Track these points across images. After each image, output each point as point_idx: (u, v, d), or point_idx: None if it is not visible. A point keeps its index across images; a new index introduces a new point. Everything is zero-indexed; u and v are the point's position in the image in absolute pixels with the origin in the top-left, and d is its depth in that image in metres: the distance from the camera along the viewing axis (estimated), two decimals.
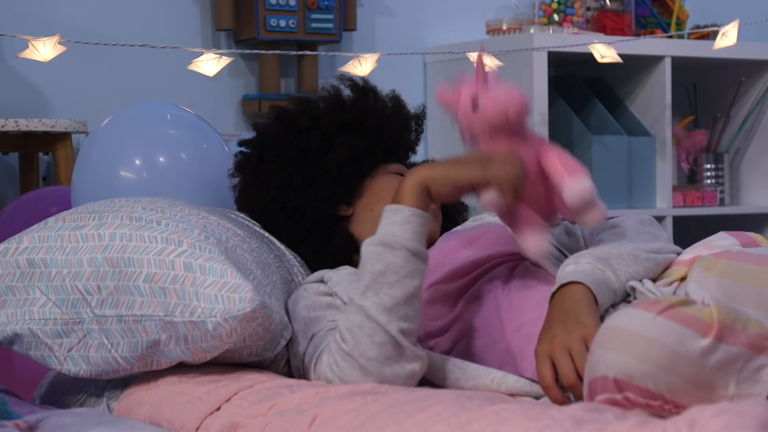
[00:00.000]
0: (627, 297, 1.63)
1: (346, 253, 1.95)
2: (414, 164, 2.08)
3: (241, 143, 2.11)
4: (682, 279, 1.63)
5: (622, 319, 1.28)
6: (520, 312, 1.68)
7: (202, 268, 1.65)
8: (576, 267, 1.61)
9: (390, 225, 1.60)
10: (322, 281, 1.83)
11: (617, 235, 1.75)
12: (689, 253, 1.68)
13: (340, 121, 2.00)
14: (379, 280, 1.56)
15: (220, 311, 1.61)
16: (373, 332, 1.55)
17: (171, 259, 1.67)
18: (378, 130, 2.01)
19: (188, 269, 1.65)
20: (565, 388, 1.48)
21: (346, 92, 2.06)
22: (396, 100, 2.08)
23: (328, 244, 1.97)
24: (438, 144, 3.65)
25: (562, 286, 1.58)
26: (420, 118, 2.11)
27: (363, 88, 2.06)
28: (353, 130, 2.00)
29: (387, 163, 2.02)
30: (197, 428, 1.56)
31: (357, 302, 1.57)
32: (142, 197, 1.90)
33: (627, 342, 1.25)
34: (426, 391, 1.47)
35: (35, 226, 1.82)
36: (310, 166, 1.98)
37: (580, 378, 1.45)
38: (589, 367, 1.31)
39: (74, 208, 1.86)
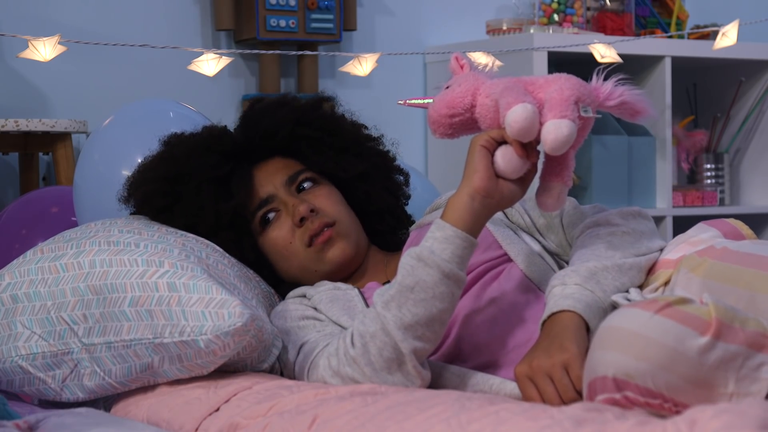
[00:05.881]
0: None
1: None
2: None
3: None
4: (667, 282, 1.62)
5: (621, 318, 1.28)
6: (508, 334, 1.67)
7: (186, 286, 1.64)
8: (564, 289, 1.57)
9: (432, 240, 1.54)
10: (304, 296, 1.82)
11: (601, 239, 1.70)
12: (672, 251, 1.66)
13: (177, 227, 1.87)
14: (406, 295, 1.53)
15: (210, 328, 1.60)
16: (384, 346, 1.53)
17: (154, 280, 1.66)
18: (210, 228, 1.86)
19: (172, 289, 1.64)
20: None
21: (158, 194, 1.89)
22: (197, 148, 1.90)
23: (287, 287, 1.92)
24: (438, 144, 3.65)
25: (553, 314, 1.55)
26: (217, 135, 1.94)
27: (169, 183, 1.88)
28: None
29: (251, 220, 1.89)
30: (196, 429, 1.56)
31: (378, 310, 1.54)
32: (117, 219, 1.89)
33: (626, 341, 1.25)
34: (426, 392, 1.47)
35: (15, 261, 1.82)
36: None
37: (563, 402, 1.44)
38: (589, 368, 1.31)
39: (51, 239, 1.86)
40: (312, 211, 1.85)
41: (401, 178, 2.03)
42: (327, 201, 1.88)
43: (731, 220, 1.71)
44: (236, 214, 1.86)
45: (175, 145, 1.93)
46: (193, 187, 1.86)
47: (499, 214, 1.85)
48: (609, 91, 1.58)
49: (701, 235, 1.67)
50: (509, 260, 1.76)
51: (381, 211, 1.97)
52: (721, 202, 3.95)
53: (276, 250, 1.88)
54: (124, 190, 1.95)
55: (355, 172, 1.94)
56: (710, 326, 1.25)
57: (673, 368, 1.23)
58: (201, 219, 1.86)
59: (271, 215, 1.87)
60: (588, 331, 1.53)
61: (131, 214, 1.95)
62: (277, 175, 1.90)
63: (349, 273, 1.89)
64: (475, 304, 1.71)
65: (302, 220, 1.85)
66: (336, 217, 1.87)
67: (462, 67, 1.66)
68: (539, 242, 1.81)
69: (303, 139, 1.93)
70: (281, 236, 1.86)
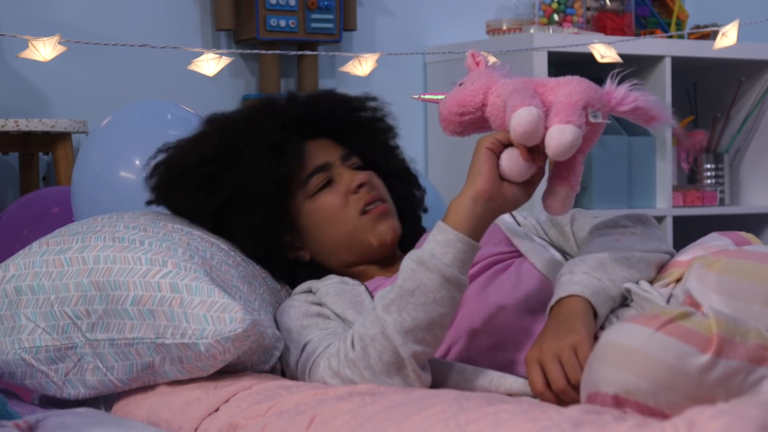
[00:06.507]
0: (624, 300, 1.62)
1: (323, 275, 1.89)
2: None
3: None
4: (679, 280, 1.62)
5: (621, 334, 1.28)
6: (517, 320, 1.67)
7: (188, 288, 1.64)
8: (572, 277, 1.58)
9: (433, 243, 1.53)
10: (310, 291, 1.82)
11: (609, 236, 1.71)
12: (685, 254, 1.67)
13: (213, 211, 1.86)
14: (407, 299, 1.52)
15: (211, 332, 1.60)
16: (384, 349, 1.53)
17: (157, 280, 1.65)
18: (260, 190, 1.85)
19: (174, 290, 1.64)
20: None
21: (209, 158, 1.87)
22: (255, 124, 1.90)
23: (299, 282, 1.89)
24: (439, 144, 3.65)
25: (561, 299, 1.56)
26: (273, 101, 1.96)
27: (222, 144, 1.88)
28: (238, 200, 1.85)
29: (299, 187, 1.88)
30: (196, 429, 1.56)
31: (378, 313, 1.54)
32: (123, 214, 1.89)
33: (626, 358, 1.24)
34: (425, 392, 1.46)
35: (20, 252, 1.81)
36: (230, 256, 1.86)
37: (570, 384, 1.45)
38: (588, 382, 1.30)
39: (57, 230, 1.85)
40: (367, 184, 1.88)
41: (418, 193, 2.05)
42: (378, 183, 1.91)
43: (744, 233, 1.72)
44: (284, 183, 1.86)
45: (225, 118, 1.94)
46: (251, 150, 1.86)
47: (511, 222, 1.86)
48: (622, 96, 1.57)
49: (714, 243, 1.67)
50: (519, 255, 1.77)
51: (404, 211, 1.97)
52: (721, 202, 3.95)
53: (326, 214, 1.87)
54: (160, 166, 1.93)
55: (399, 166, 1.98)
56: (711, 342, 1.24)
57: (674, 386, 1.22)
58: (253, 182, 1.84)
59: (324, 182, 1.88)
60: (595, 316, 1.54)
61: (162, 192, 1.92)
62: (333, 151, 1.91)
63: (383, 257, 1.88)
64: (480, 293, 1.71)
65: (360, 186, 1.86)
66: (386, 199, 1.89)
67: (477, 64, 1.65)
68: (553, 245, 1.82)
69: (359, 124, 1.96)
70: (334, 201, 1.87)
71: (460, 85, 1.63)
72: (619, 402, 1.24)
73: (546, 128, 1.50)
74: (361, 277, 1.88)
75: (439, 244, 1.53)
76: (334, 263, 1.90)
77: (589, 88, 1.54)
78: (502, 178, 1.54)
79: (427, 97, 1.79)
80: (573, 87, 1.53)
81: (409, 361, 1.52)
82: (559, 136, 1.48)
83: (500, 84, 1.59)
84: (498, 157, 1.54)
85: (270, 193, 1.85)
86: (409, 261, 1.53)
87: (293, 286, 1.90)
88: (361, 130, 1.97)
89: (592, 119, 1.52)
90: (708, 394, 1.23)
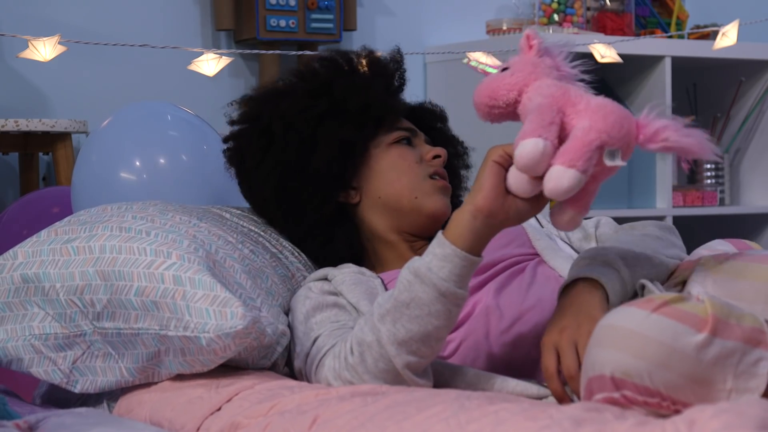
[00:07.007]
0: (635, 296, 1.62)
1: (359, 246, 1.91)
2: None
3: (224, 140, 2.02)
4: (684, 282, 1.62)
5: (617, 317, 1.28)
6: (530, 320, 1.68)
7: (191, 281, 1.64)
8: (592, 263, 1.58)
9: (431, 256, 1.50)
10: (326, 279, 1.80)
11: (635, 237, 1.72)
12: (691, 258, 1.68)
13: (315, 114, 1.88)
14: (402, 310, 1.50)
15: (213, 327, 1.60)
16: (379, 357, 1.53)
17: (160, 272, 1.66)
18: (362, 106, 1.89)
19: (177, 282, 1.65)
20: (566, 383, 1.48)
21: (317, 70, 1.95)
22: (374, 61, 1.97)
23: (333, 241, 1.91)
24: None
25: (578, 279, 1.56)
26: (399, 62, 2.00)
27: (334, 61, 1.95)
28: (334, 115, 1.88)
29: (384, 132, 1.92)
30: (198, 428, 1.57)
31: (375, 321, 1.53)
32: (133, 203, 1.89)
33: (623, 340, 1.25)
34: (426, 391, 1.47)
35: (29, 239, 1.81)
36: (295, 172, 1.88)
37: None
38: (586, 366, 1.31)
39: (67, 219, 1.86)
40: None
41: None
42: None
43: (747, 241, 1.73)
44: (383, 111, 1.91)
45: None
46: (367, 75, 1.94)
47: (535, 224, 1.89)
48: (653, 132, 1.45)
49: (718, 247, 1.68)
50: (540, 259, 1.79)
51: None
52: (721, 202, 3.95)
53: (397, 163, 1.88)
54: (256, 89, 2.00)
55: (456, 193, 2.02)
56: (706, 323, 1.25)
57: (670, 366, 1.23)
58: (362, 95, 1.89)
59: (405, 139, 1.92)
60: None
61: (264, 104, 1.95)
62: (420, 133, 1.96)
63: (421, 231, 1.88)
64: (497, 292, 1.72)
65: (436, 158, 1.89)
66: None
67: (530, 48, 1.54)
68: (574, 249, 1.84)
69: (446, 138, 2.02)
70: (409, 156, 1.89)
71: (504, 70, 1.54)
72: (616, 383, 1.25)
73: (551, 164, 1.41)
74: (390, 251, 1.88)
75: (437, 257, 1.50)
76: (376, 218, 1.89)
77: (614, 123, 1.43)
78: (509, 191, 1.49)
79: (475, 64, 1.72)
80: (596, 121, 1.42)
81: (403, 371, 1.52)
82: (556, 180, 1.40)
83: (536, 86, 1.50)
84: (506, 170, 1.48)
85: (370, 116, 1.89)
86: (406, 272, 1.52)
87: (318, 259, 1.91)
88: (448, 134, 2.03)
89: (607, 161, 1.42)
90: (705, 374, 1.24)
